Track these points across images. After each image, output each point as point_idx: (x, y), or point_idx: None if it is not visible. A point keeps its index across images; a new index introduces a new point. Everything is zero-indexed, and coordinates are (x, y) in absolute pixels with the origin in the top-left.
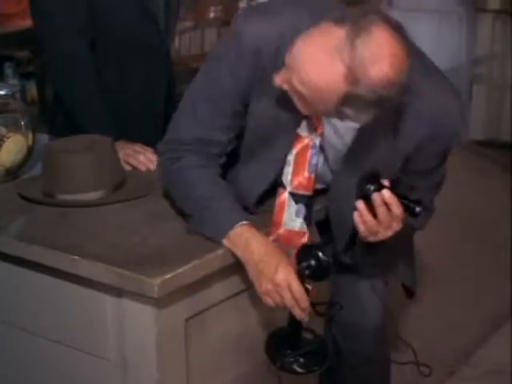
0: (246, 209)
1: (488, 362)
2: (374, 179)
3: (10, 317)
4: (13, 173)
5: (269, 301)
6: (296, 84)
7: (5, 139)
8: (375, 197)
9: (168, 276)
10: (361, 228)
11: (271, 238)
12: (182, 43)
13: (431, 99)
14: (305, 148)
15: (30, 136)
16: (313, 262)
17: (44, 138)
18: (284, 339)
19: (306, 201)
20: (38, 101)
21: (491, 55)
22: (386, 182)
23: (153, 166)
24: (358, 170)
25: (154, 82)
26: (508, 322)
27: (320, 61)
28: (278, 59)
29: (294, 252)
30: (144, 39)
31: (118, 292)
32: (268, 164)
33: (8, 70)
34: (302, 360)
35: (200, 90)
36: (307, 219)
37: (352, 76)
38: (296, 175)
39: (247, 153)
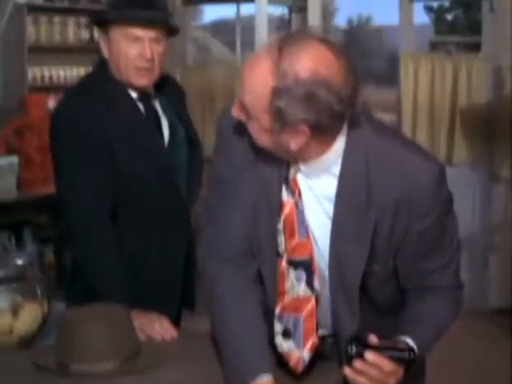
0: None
1: None
2: (358, 341)
3: None
4: (27, 341)
5: None
6: (241, 98)
7: (20, 308)
8: (358, 364)
9: None
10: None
11: (278, 308)
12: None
13: (401, 161)
14: (290, 213)
15: (46, 304)
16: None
17: (60, 306)
18: None
19: (306, 265)
20: (55, 265)
21: (505, 223)
22: (373, 339)
23: (168, 336)
24: (342, 239)
25: (174, 250)
26: None
27: (252, 63)
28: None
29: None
30: (166, 207)
31: None
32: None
33: (26, 235)
34: None
35: (212, 192)
36: (310, 283)
37: (279, 69)
38: (289, 242)
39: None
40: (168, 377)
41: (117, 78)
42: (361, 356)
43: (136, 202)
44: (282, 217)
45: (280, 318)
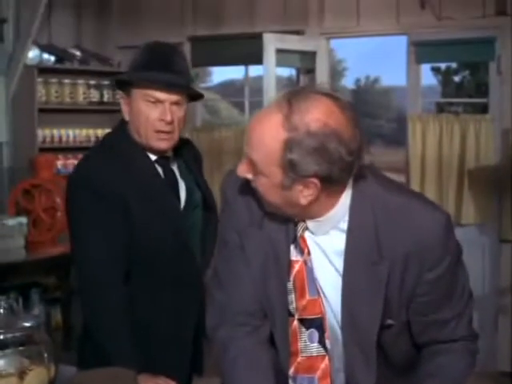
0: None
1: None
2: None
3: None
4: None
5: None
6: (248, 155)
7: (27, 371)
8: None
9: None
10: None
11: (292, 368)
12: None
13: (408, 212)
14: (300, 271)
15: (53, 368)
16: None
17: (69, 370)
18: None
19: (318, 324)
20: (62, 326)
21: None
22: None
23: None
24: (354, 295)
25: (186, 314)
26: None
27: (261, 118)
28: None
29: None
30: (179, 269)
31: None
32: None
33: (34, 296)
34: None
35: (220, 256)
36: (323, 342)
37: (290, 122)
38: (299, 300)
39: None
40: None
41: (136, 139)
42: None
43: (149, 263)
44: (292, 276)
45: (294, 379)
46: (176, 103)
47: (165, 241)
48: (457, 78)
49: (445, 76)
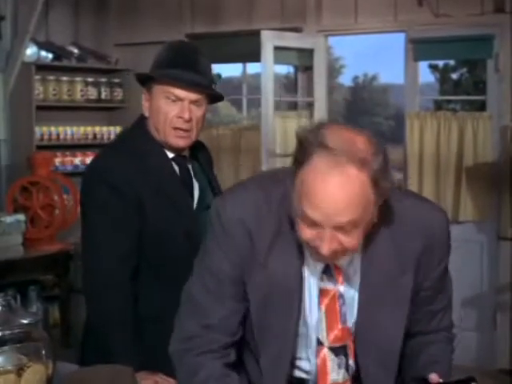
0: None
1: None
2: (422, 381)
3: None
4: None
5: None
6: (331, 229)
7: (25, 368)
8: None
9: None
10: None
11: None
12: None
13: (417, 213)
14: (332, 300)
15: (51, 365)
16: None
17: (70, 367)
18: None
19: (344, 351)
20: (60, 324)
21: None
22: (433, 377)
23: None
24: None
25: None
26: None
27: (336, 183)
28: (261, 224)
29: None
30: (188, 269)
31: None
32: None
33: (32, 293)
34: None
35: (198, 282)
36: (347, 367)
37: (359, 163)
38: (331, 330)
39: (258, 337)
40: None
41: (155, 136)
42: None
43: (159, 261)
44: (324, 305)
45: None
46: (195, 102)
47: (176, 239)
48: (454, 76)
49: (442, 73)
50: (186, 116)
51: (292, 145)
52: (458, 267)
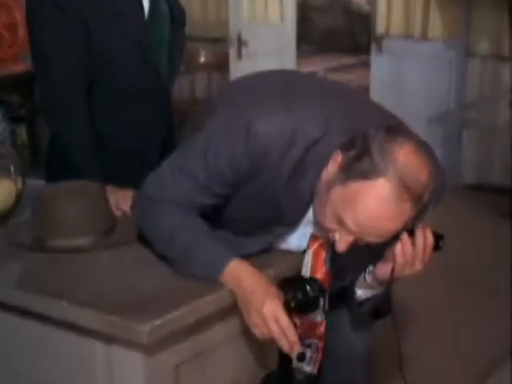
0: None
1: None
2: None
3: None
4: (2, 218)
5: (257, 332)
6: (364, 240)
7: None
8: (418, 230)
9: (157, 322)
10: (399, 260)
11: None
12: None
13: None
14: (321, 246)
15: (20, 181)
16: (299, 295)
17: (40, 183)
18: (276, 377)
19: (324, 292)
20: (28, 144)
21: (481, 99)
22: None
23: None
24: None
25: (150, 128)
26: (496, 370)
27: (389, 217)
28: (285, 156)
29: None
30: (142, 85)
31: (107, 338)
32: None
33: None
34: None
35: (192, 166)
36: (325, 308)
37: (418, 212)
38: (314, 273)
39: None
40: (143, 252)
41: None
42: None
43: (111, 76)
44: (311, 250)
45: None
46: None
47: (127, 52)
48: None
49: None
50: None
51: None
52: (425, 84)
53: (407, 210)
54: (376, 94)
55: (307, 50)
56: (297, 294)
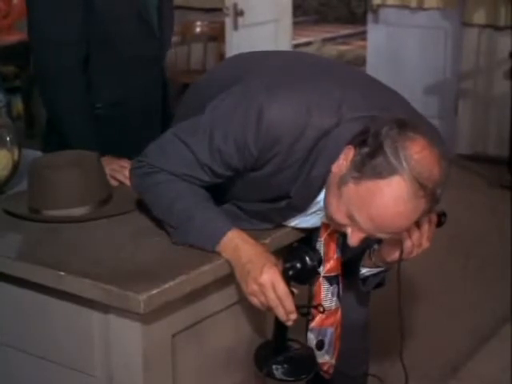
0: None
1: (475, 377)
2: None
3: None
4: None
5: (255, 301)
6: (376, 235)
7: None
8: None
9: (154, 291)
10: (407, 243)
11: (313, 323)
12: (168, 58)
13: None
14: (332, 233)
15: (16, 151)
16: (298, 264)
17: (36, 154)
18: (271, 346)
19: (337, 279)
20: (23, 115)
21: (477, 70)
22: None
23: None
24: None
25: (152, 91)
26: (495, 336)
27: (407, 215)
28: (295, 146)
29: None
30: (142, 51)
31: (104, 308)
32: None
33: None
34: (289, 368)
35: (195, 143)
36: (339, 295)
37: (431, 206)
38: (327, 261)
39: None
40: (139, 222)
41: None
42: None
43: (113, 46)
44: (322, 238)
45: (313, 331)
46: None
47: (127, 18)
48: None
49: None
50: None
51: None
52: (422, 54)
53: (421, 206)
54: (372, 64)
55: (304, 21)
56: (295, 263)
